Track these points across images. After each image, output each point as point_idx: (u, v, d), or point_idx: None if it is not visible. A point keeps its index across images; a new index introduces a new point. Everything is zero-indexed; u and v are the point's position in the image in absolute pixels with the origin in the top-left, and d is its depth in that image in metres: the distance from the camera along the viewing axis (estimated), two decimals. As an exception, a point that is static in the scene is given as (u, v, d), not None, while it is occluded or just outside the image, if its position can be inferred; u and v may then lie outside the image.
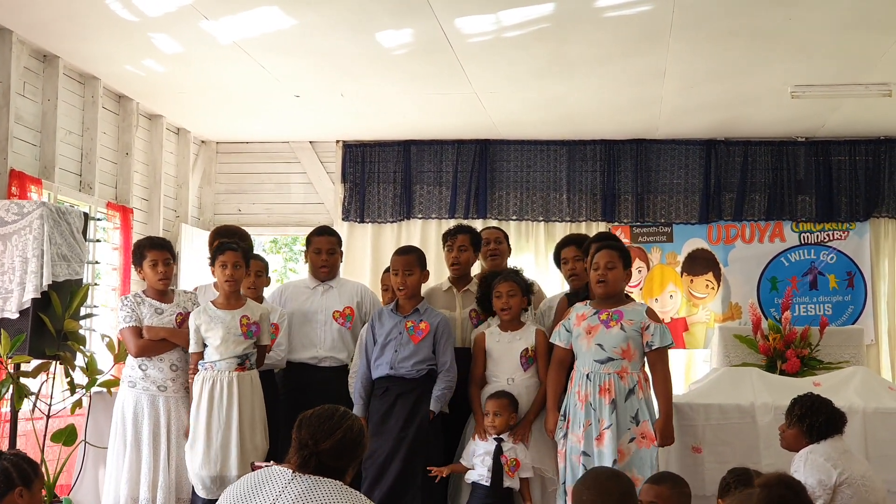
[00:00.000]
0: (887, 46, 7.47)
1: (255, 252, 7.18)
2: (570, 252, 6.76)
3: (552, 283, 9.16)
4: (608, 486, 4.12)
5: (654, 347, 5.98)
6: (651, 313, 6.08)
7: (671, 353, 10.22)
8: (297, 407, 4.02)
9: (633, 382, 5.91)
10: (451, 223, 10.09)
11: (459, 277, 6.87)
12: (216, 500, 5.80)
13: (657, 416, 5.97)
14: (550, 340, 6.23)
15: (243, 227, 7.59)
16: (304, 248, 7.32)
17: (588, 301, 6.22)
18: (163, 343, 6.26)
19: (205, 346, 6.14)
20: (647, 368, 6.09)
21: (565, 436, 6.00)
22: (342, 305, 6.86)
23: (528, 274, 7.00)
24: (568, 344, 6.10)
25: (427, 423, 6.15)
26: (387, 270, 7.23)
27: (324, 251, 6.92)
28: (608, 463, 5.72)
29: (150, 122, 9.91)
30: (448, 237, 6.89)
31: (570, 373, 6.13)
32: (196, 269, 9.81)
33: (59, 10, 7.07)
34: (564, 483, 5.96)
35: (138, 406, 6.22)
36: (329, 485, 3.60)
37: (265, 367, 6.50)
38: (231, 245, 6.25)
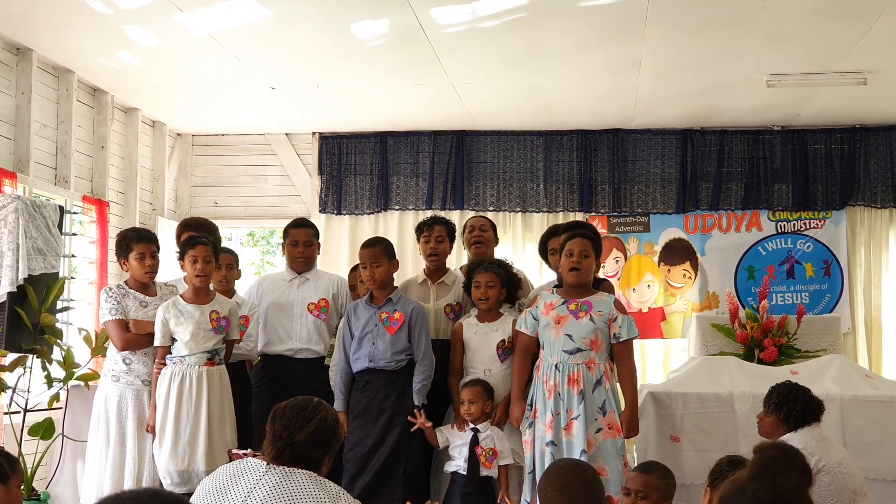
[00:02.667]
0: (862, 34, 7.50)
1: (225, 245, 7.14)
2: (559, 242, 6.73)
3: (529, 273, 9.12)
4: (571, 478, 4.11)
5: (621, 339, 5.99)
6: (618, 305, 6.10)
7: (650, 341, 10.40)
8: (274, 399, 4.01)
9: (600, 373, 5.91)
10: (429, 214, 10.07)
11: (434, 269, 6.87)
12: (184, 494, 5.83)
13: (623, 407, 5.97)
14: (517, 328, 6.21)
15: (220, 220, 7.60)
16: (281, 241, 7.32)
17: (555, 289, 6.21)
18: (148, 337, 6.19)
19: (173, 340, 6.11)
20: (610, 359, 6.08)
21: (531, 425, 6.00)
22: (317, 297, 6.87)
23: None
24: (534, 332, 6.09)
25: (410, 415, 6.16)
26: (353, 270, 7.24)
27: (301, 243, 6.94)
28: (577, 452, 5.73)
29: (126, 115, 9.86)
30: (424, 228, 6.88)
31: (536, 361, 6.13)
32: (172, 261, 9.77)
33: (32, 2, 7.02)
34: (532, 472, 5.96)
35: (122, 400, 6.16)
36: (304, 476, 3.60)
37: (236, 358, 6.48)
38: (201, 239, 6.20)
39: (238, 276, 6.90)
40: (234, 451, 5.49)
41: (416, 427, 6.15)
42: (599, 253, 6.19)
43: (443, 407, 6.47)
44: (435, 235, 6.81)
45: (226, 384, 6.15)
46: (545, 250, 6.93)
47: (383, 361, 6.22)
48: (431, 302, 6.72)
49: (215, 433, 6.01)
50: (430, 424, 6.18)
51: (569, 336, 5.92)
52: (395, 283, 6.56)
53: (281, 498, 3.51)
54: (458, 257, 9.61)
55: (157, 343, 6.11)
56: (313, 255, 7.03)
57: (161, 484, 6.05)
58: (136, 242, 6.29)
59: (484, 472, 6.07)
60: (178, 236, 6.86)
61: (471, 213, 10.45)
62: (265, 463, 3.66)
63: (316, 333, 6.83)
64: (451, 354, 6.45)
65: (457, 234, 7.19)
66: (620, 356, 6.04)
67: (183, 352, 6.03)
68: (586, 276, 6.05)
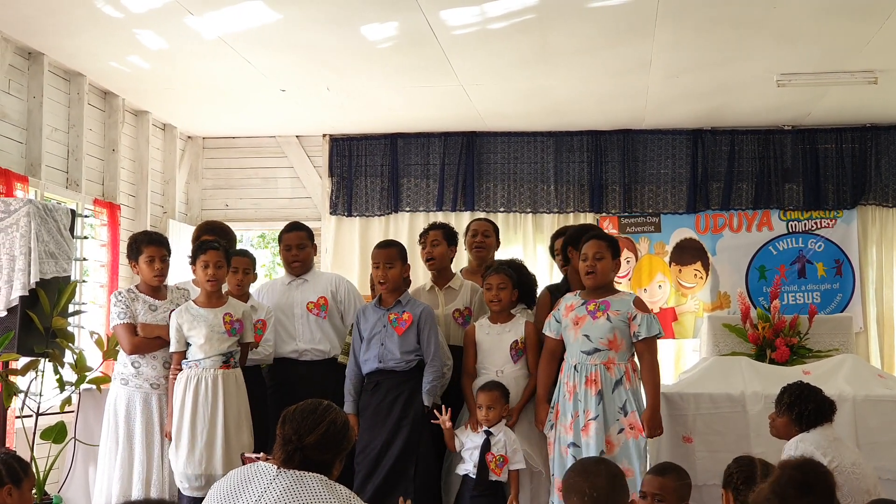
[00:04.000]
0: (872, 33, 7.48)
1: (242, 248, 7.14)
2: (561, 244, 6.76)
3: (540, 274, 9.14)
4: (596, 468, 4.15)
5: (641, 338, 5.96)
6: (639, 303, 6.06)
7: (661, 342, 10.31)
8: (283, 402, 4.02)
9: (620, 373, 5.90)
10: (439, 216, 10.19)
11: (440, 275, 6.89)
12: (201, 498, 5.83)
13: (645, 407, 5.96)
14: (543, 331, 6.22)
15: (231, 223, 7.60)
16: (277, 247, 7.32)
17: (578, 292, 6.21)
18: (157, 340, 6.21)
19: (187, 345, 6.11)
20: (636, 359, 6.08)
21: (553, 427, 6.00)
22: (316, 296, 6.89)
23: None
24: (558, 335, 6.10)
25: (420, 416, 6.15)
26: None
27: (293, 247, 6.96)
28: (594, 454, 5.71)
29: (137, 119, 9.88)
30: (421, 237, 6.94)
31: (562, 364, 6.13)
32: (184, 264, 9.78)
33: (44, 6, 7.04)
34: (554, 475, 5.96)
35: (131, 404, 6.18)
36: (314, 480, 3.59)
37: (252, 362, 6.49)
38: (213, 244, 6.21)
39: (254, 279, 6.92)
40: (247, 454, 5.49)
41: (437, 421, 6.15)
42: (616, 253, 6.14)
43: (456, 410, 6.47)
44: (430, 240, 6.84)
45: (241, 387, 6.15)
46: (553, 249, 6.94)
47: (392, 362, 6.22)
48: (440, 308, 6.72)
49: (232, 436, 6.01)
50: (450, 425, 6.18)
51: (586, 336, 5.93)
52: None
53: (292, 501, 3.51)
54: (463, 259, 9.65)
55: (172, 349, 6.12)
56: (308, 258, 7.03)
57: (178, 489, 6.07)
58: (146, 246, 6.31)
59: (493, 477, 6.05)
60: (195, 239, 6.86)
61: (482, 215, 10.47)
62: (276, 467, 3.66)
63: (319, 332, 6.84)
64: (463, 356, 6.45)
65: (459, 235, 7.21)
66: (641, 355, 6.02)
67: (198, 356, 6.04)
68: (602, 277, 6.03)
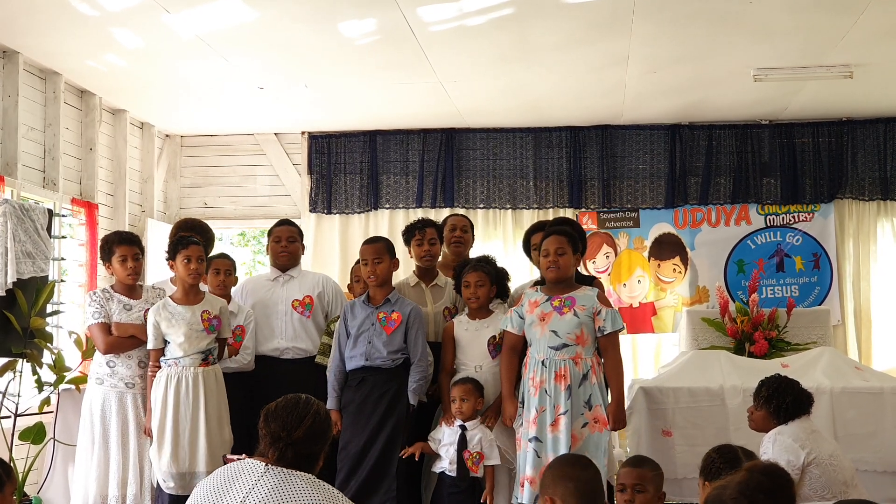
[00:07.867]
0: (847, 28, 7.52)
1: (222, 251, 7.14)
2: (540, 238, 6.74)
3: (520, 270, 9.17)
4: (561, 462, 4.18)
5: (606, 332, 5.97)
6: (602, 298, 6.09)
7: (641, 336, 10.41)
8: (265, 400, 4.01)
9: (586, 368, 5.90)
10: (419, 213, 10.17)
11: (427, 272, 6.89)
12: (184, 496, 5.82)
13: (608, 401, 5.98)
14: (501, 326, 6.23)
15: (210, 221, 7.60)
16: (266, 244, 7.34)
17: (539, 287, 6.22)
18: (131, 339, 6.20)
19: (165, 342, 6.10)
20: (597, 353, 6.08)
21: (522, 423, 6.01)
22: (302, 294, 6.92)
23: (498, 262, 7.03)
24: (520, 330, 6.09)
25: (405, 415, 6.16)
26: (357, 262, 7.23)
27: (284, 239, 7.02)
28: (564, 448, 5.72)
29: (114, 117, 9.84)
30: (416, 231, 6.87)
31: (524, 359, 6.13)
32: (162, 263, 9.75)
33: (19, 5, 7.00)
34: (518, 470, 5.97)
35: (106, 403, 6.17)
36: (301, 478, 3.60)
37: (233, 370, 6.48)
38: (192, 239, 6.21)
39: (235, 281, 6.91)
40: (229, 455, 5.47)
41: (407, 453, 6.13)
42: (579, 248, 6.16)
43: (433, 405, 6.47)
44: (428, 238, 6.83)
45: (221, 384, 6.15)
46: (528, 246, 6.94)
47: (379, 360, 6.22)
48: (429, 305, 6.71)
49: (214, 433, 6.02)
50: (413, 449, 6.16)
51: (554, 332, 5.92)
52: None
53: (278, 500, 3.52)
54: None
55: (149, 346, 6.11)
56: (297, 252, 7.09)
57: (152, 486, 6.06)
58: (118, 245, 6.30)
59: (470, 474, 6.06)
60: (173, 237, 6.83)
61: (461, 211, 10.46)
62: (263, 464, 3.65)
63: (302, 331, 6.86)
64: (442, 353, 6.45)
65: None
66: (605, 349, 6.03)
67: (177, 354, 6.03)
68: (564, 272, 6.04)
